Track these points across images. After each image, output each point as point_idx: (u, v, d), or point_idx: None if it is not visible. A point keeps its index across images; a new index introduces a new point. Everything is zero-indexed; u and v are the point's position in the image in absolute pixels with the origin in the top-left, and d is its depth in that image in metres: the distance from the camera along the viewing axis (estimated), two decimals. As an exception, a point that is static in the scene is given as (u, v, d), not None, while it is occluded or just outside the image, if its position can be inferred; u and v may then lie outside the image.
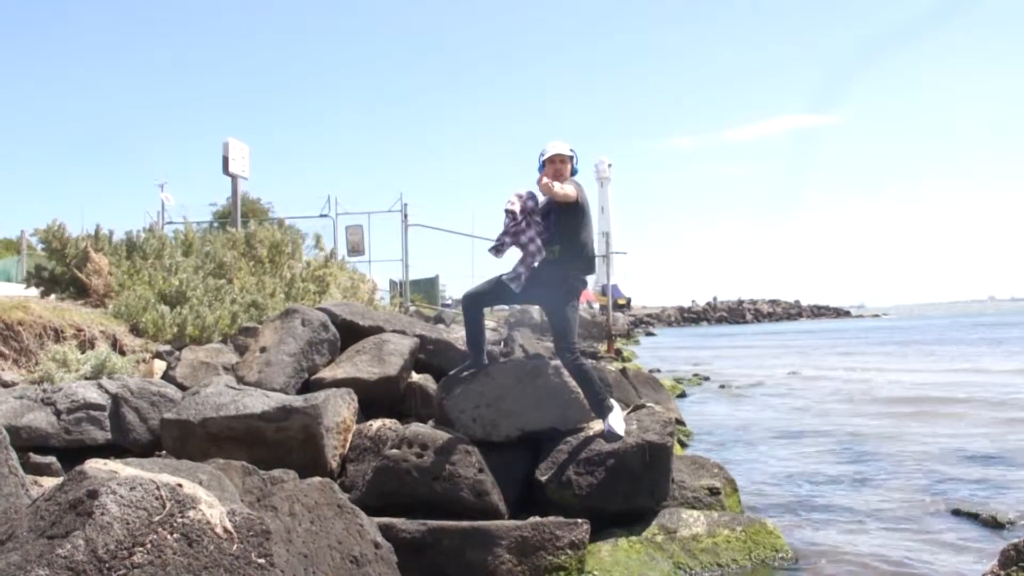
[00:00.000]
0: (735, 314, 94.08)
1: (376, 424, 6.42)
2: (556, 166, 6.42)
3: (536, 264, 6.33)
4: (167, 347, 9.10)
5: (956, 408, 14.27)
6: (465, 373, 6.54)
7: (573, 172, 6.53)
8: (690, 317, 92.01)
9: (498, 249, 6.46)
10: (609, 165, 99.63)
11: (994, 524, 6.87)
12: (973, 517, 7.10)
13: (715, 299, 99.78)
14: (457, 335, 8.66)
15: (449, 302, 26.09)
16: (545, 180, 6.14)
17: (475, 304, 6.74)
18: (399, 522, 5.41)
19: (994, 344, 34.80)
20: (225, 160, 16.38)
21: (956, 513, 7.27)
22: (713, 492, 6.57)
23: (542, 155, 6.48)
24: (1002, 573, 5.09)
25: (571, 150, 6.49)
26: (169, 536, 3.30)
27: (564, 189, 6.23)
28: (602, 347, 26.06)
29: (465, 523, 5.45)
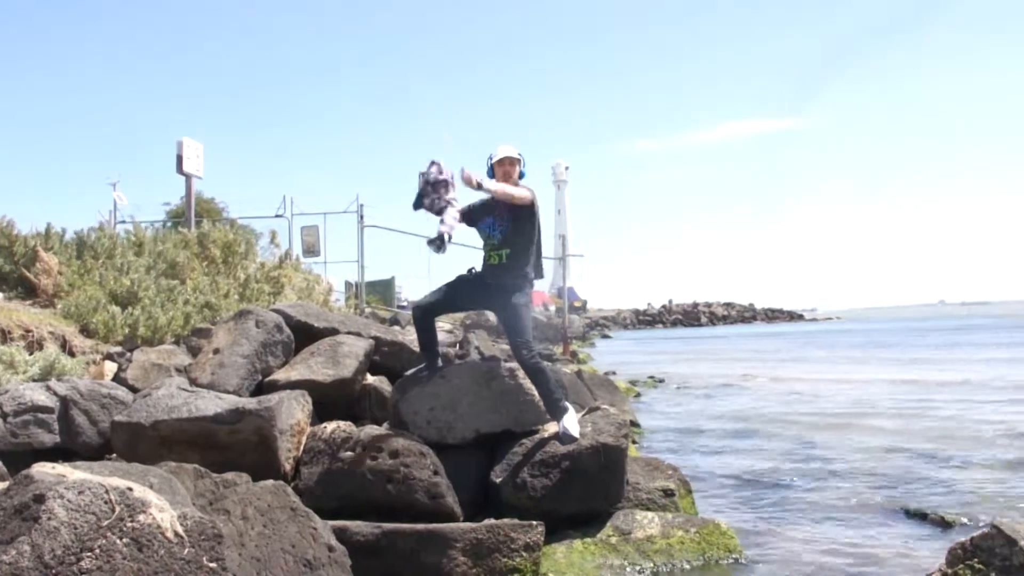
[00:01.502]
0: (690, 317, 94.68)
1: (330, 426, 6.37)
2: (505, 168, 6.45)
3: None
4: (118, 348, 8.99)
5: (906, 411, 14.48)
6: (420, 375, 6.53)
7: (520, 175, 6.55)
8: (645, 320, 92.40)
9: (441, 242, 6.29)
10: (566, 168, 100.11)
11: (943, 524, 6.98)
12: (922, 517, 7.20)
13: (670, 302, 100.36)
14: (412, 336, 8.61)
15: (405, 304, 26.01)
16: (500, 187, 6.18)
17: (426, 315, 6.74)
18: (353, 525, 5.38)
19: (942, 349, 35.39)
20: (179, 159, 16.22)
21: (906, 513, 7.36)
22: (667, 493, 6.61)
23: (491, 158, 6.51)
24: (949, 571, 5.18)
25: (519, 154, 6.51)
26: (118, 541, 3.25)
27: (519, 191, 6.26)
28: (558, 349, 26.12)
29: (420, 525, 5.43)
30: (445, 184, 6.27)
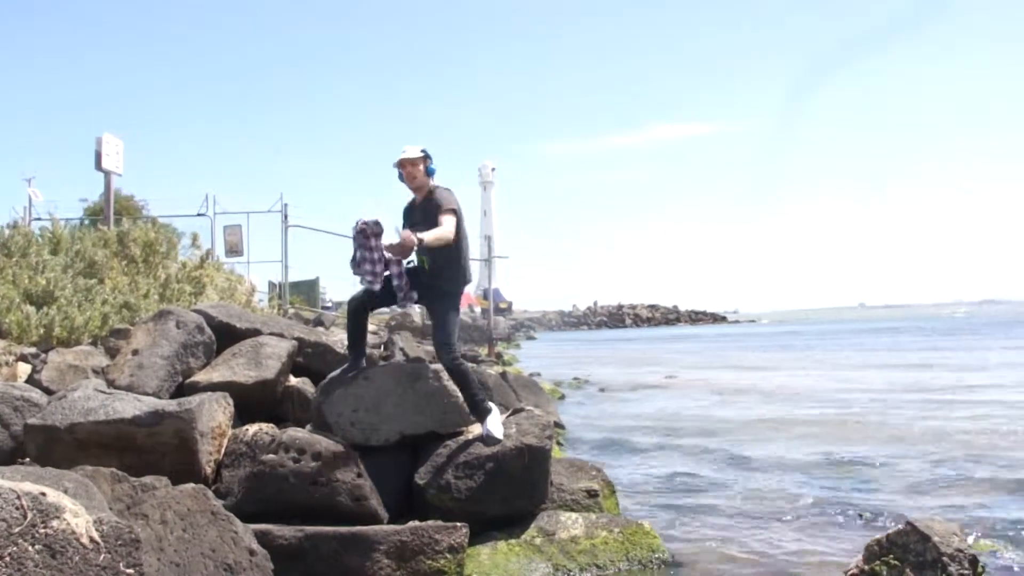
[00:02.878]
0: (615, 319, 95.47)
1: (252, 429, 6.29)
2: (408, 169, 6.48)
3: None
4: (32, 349, 8.74)
5: (826, 410, 14.79)
6: (344, 376, 6.48)
7: (429, 172, 6.54)
8: (571, 321, 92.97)
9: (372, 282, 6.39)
10: (492, 169, 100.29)
11: (860, 520, 7.17)
12: (840, 513, 7.38)
13: (596, 304, 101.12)
14: (337, 338, 8.56)
15: (330, 304, 25.80)
16: (433, 235, 6.18)
17: (363, 307, 6.70)
18: (275, 528, 5.32)
19: (863, 350, 36.25)
20: (98, 155, 15.81)
21: (824, 510, 7.54)
22: (591, 494, 6.66)
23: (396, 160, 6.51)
24: (866, 567, 5.33)
25: (423, 150, 6.50)
26: (30, 547, 3.17)
27: (447, 230, 6.27)
28: (483, 350, 26.15)
29: (343, 528, 5.40)
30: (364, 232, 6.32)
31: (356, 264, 6.39)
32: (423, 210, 6.48)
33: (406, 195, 6.71)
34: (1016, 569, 5.77)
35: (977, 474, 8.86)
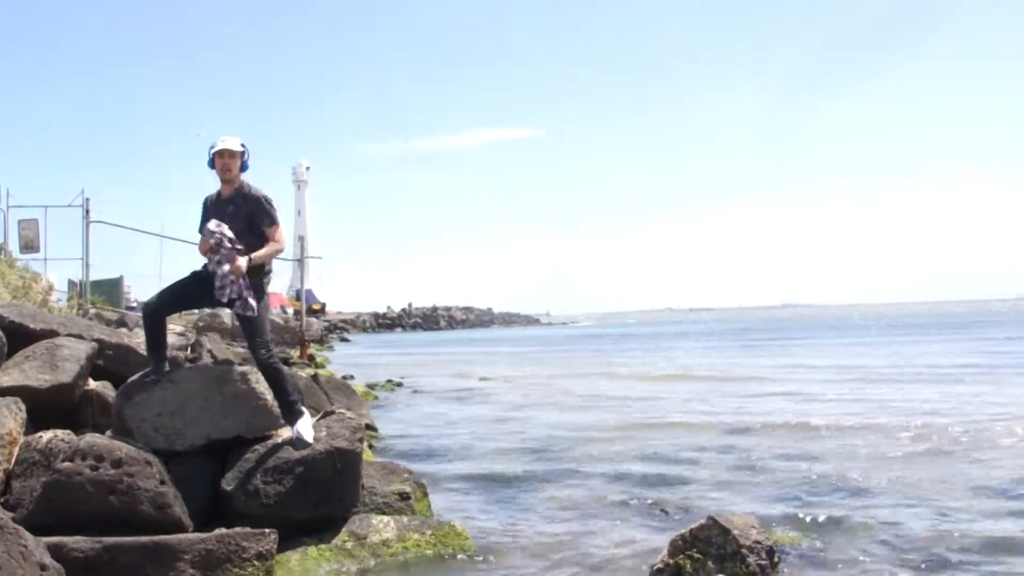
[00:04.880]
0: (430, 320, 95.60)
1: (47, 436, 5.98)
2: (225, 160, 6.35)
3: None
4: None
5: (633, 408, 15.30)
6: (147, 380, 6.25)
7: (244, 168, 6.45)
8: (385, 323, 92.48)
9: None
10: (307, 168, 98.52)
11: (665, 515, 7.46)
12: (647, 509, 7.67)
13: (410, 305, 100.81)
14: (140, 339, 8.24)
15: (134, 305, 24.80)
16: (263, 254, 6.26)
17: (158, 312, 6.49)
18: (71, 541, 5.07)
19: (673, 350, 37.75)
20: None
21: (631, 506, 7.80)
22: (403, 497, 6.67)
23: (212, 148, 6.35)
24: (671, 561, 5.56)
25: (242, 145, 6.39)
26: None
27: (277, 245, 6.38)
28: (295, 352, 25.66)
29: (145, 538, 5.20)
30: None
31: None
32: (234, 205, 6.34)
33: (212, 187, 6.57)
34: (811, 558, 6.13)
35: (779, 468, 9.37)
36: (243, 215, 6.30)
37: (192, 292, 6.58)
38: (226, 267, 6.12)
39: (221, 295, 6.16)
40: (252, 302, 6.25)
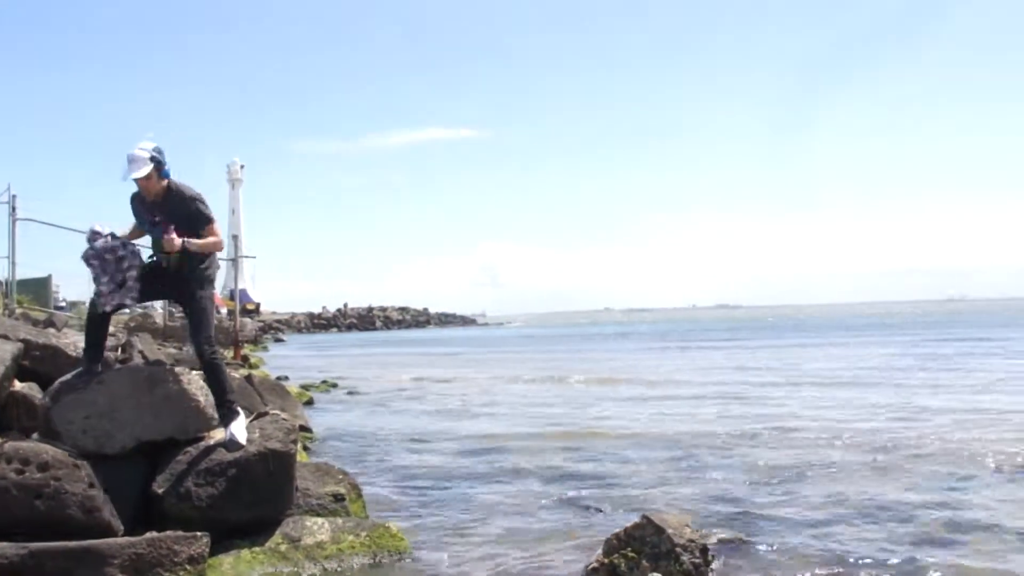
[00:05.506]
0: (365, 321, 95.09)
1: (-31, 439, 5.83)
2: (142, 184, 6.14)
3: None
4: None
5: (571, 409, 15.39)
6: (76, 381, 6.13)
7: (164, 175, 6.18)
8: (320, 323, 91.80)
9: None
10: (241, 166, 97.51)
11: (601, 514, 7.52)
12: (584, 508, 7.73)
13: (345, 306, 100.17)
14: (69, 340, 8.08)
15: (63, 304, 24.36)
16: (201, 244, 6.19)
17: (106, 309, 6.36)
18: (-5, 546, 4.96)
19: (613, 352, 38.03)
20: None
21: (566, 506, 7.85)
22: (338, 498, 6.62)
23: (123, 177, 6.08)
24: (606, 560, 5.60)
25: (152, 155, 6.07)
26: None
27: (215, 239, 6.30)
28: (228, 353, 25.35)
29: (73, 543, 5.11)
30: (113, 251, 6.13)
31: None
32: (166, 209, 6.20)
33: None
34: (744, 556, 6.22)
35: (713, 469, 9.49)
36: (180, 218, 6.18)
37: (144, 287, 6.41)
38: (105, 278, 6.09)
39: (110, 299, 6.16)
40: (135, 294, 6.28)
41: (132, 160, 6.02)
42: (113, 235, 6.17)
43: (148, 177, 6.08)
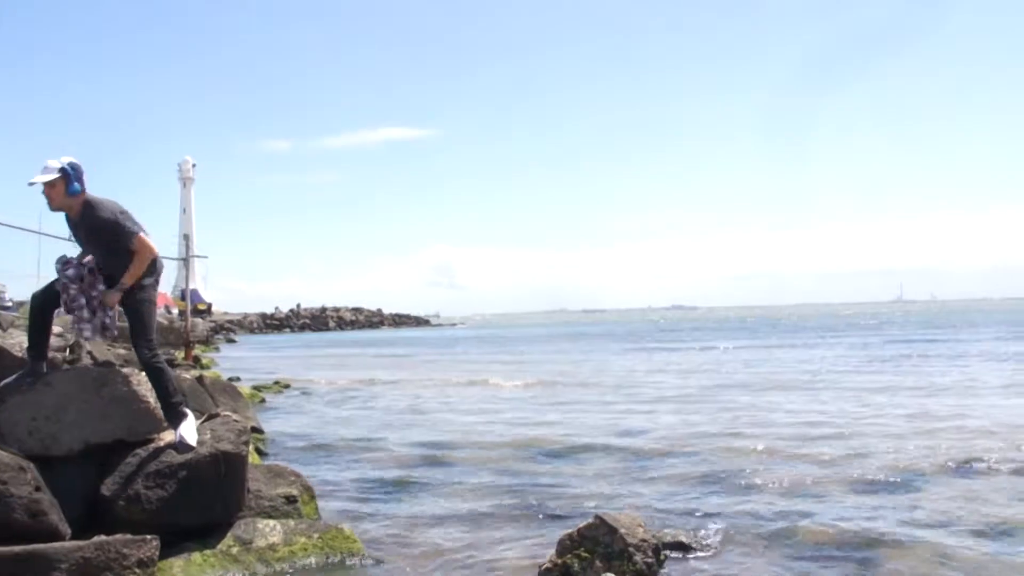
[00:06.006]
0: (318, 321, 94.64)
1: (-88, 441, 5.72)
2: (46, 191, 6.04)
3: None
4: None
5: (523, 411, 15.41)
6: (21, 382, 6.03)
7: (73, 192, 6.03)
8: (273, 324, 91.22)
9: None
10: (193, 165, 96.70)
11: (554, 515, 7.53)
12: (537, 509, 7.74)
13: (299, 306, 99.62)
14: (15, 340, 7.92)
15: (9, 304, 23.96)
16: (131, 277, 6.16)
17: (47, 305, 6.31)
18: (-62, 551, 4.86)
19: (568, 353, 38.23)
20: None
21: (520, 507, 7.86)
22: (290, 500, 6.58)
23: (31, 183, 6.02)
24: (559, 561, 5.62)
25: (63, 168, 5.96)
26: None
27: (142, 265, 6.19)
28: (179, 354, 25.06)
29: (18, 547, 5.01)
30: (82, 277, 6.19)
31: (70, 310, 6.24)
32: (86, 227, 6.14)
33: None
34: (696, 555, 6.27)
35: (665, 469, 9.55)
36: (102, 243, 6.11)
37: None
38: (85, 313, 6.16)
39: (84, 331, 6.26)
40: (115, 330, 6.39)
41: (44, 168, 6.00)
42: (79, 262, 6.21)
43: (52, 185, 6.00)
